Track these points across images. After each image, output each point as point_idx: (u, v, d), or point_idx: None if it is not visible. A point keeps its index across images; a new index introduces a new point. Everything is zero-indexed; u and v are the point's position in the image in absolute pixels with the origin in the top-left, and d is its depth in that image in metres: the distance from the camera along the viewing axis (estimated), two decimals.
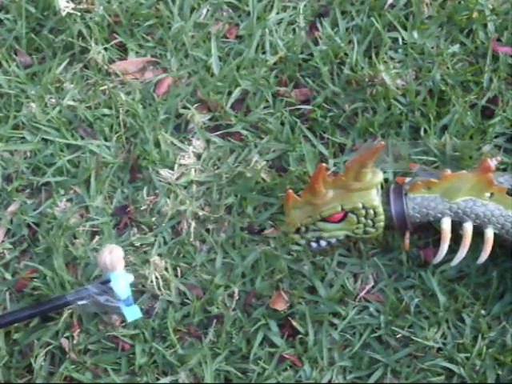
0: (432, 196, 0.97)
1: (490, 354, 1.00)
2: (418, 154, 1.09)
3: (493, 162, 0.95)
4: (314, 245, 1.01)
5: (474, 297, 1.03)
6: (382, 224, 0.98)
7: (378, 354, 1.02)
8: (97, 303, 0.99)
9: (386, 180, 1.05)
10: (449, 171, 0.99)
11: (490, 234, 0.97)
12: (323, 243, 1.00)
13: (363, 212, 0.97)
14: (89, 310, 1.02)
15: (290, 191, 0.98)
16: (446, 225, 0.98)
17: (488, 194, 0.97)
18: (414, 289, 1.04)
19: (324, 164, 0.96)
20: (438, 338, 1.01)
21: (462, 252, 0.98)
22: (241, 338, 1.03)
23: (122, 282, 0.98)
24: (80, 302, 0.99)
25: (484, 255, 0.98)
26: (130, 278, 1.00)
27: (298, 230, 1.00)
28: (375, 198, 0.97)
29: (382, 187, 1.01)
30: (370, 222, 0.98)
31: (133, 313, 1.00)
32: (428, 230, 1.05)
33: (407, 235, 1.01)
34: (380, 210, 0.97)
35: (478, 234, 0.99)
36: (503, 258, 1.03)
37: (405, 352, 1.02)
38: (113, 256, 0.97)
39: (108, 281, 0.99)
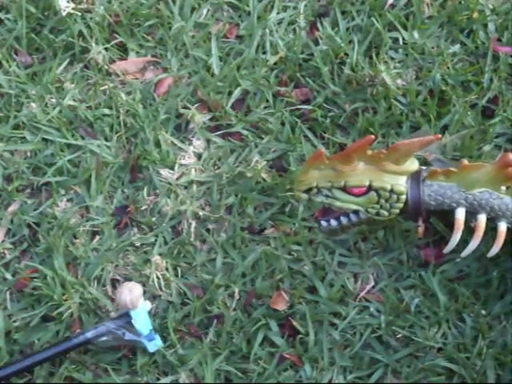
0: (449, 184, 0.97)
1: (491, 354, 1.00)
2: (417, 154, 1.09)
3: None
4: (324, 224, 1.00)
5: (475, 297, 1.03)
6: (397, 211, 0.98)
7: (378, 353, 1.02)
8: (117, 338, 1.00)
9: None
10: (466, 162, 0.98)
11: (503, 227, 0.97)
12: (334, 223, 1.00)
13: (387, 194, 0.97)
14: (109, 344, 1.01)
15: (323, 150, 0.97)
16: (461, 215, 0.97)
17: (504, 188, 0.96)
18: (415, 289, 1.04)
19: (373, 136, 0.95)
20: (438, 338, 1.01)
21: (474, 243, 0.97)
22: (241, 338, 1.03)
23: (142, 319, 0.99)
24: (100, 339, 1.00)
25: (496, 248, 0.98)
26: (148, 305, 1.01)
27: (308, 190, 0.98)
28: (404, 185, 0.97)
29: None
30: (388, 205, 0.97)
31: (154, 343, 1.01)
32: (428, 230, 1.05)
33: (420, 222, 1.00)
34: (403, 197, 0.97)
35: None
36: (503, 258, 1.03)
37: (405, 352, 1.02)
38: (133, 295, 0.99)
39: (125, 314, 1.00)
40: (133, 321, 0.99)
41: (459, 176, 0.97)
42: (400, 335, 1.02)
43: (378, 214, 0.98)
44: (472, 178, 0.96)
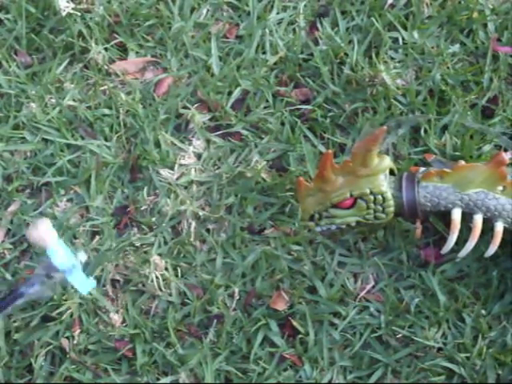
0: (444, 186, 0.97)
1: (491, 354, 1.00)
2: (418, 154, 1.09)
3: (507, 156, 0.96)
4: (324, 227, 1.01)
5: (475, 296, 1.03)
6: (391, 209, 0.98)
7: (378, 353, 1.02)
8: (50, 285, 0.95)
9: (398, 169, 1.05)
10: (463, 162, 0.99)
11: (499, 227, 0.97)
12: (333, 227, 1.00)
13: (371, 198, 0.97)
14: (45, 294, 0.97)
15: (301, 178, 0.98)
16: (457, 215, 0.97)
17: (500, 188, 0.96)
18: (415, 289, 1.04)
19: (331, 150, 0.96)
20: (438, 338, 1.02)
21: (471, 244, 0.98)
22: (241, 338, 1.03)
23: (60, 253, 0.93)
24: (33, 290, 0.95)
25: (492, 248, 0.98)
26: (83, 256, 0.95)
27: (312, 218, 1.00)
28: (383, 184, 0.97)
29: (394, 174, 1.00)
30: (379, 207, 0.97)
31: (84, 284, 0.95)
32: (428, 230, 1.05)
33: (418, 224, 1.00)
34: (388, 195, 0.97)
35: (483, 230, 0.99)
36: (503, 258, 1.03)
37: (405, 352, 1.02)
38: (40, 230, 0.93)
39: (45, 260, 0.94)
40: (52, 259, 0.93)
41: (454, 177, 0.97)
42: (400, 335, 1.02)
43: (375, 218, 0.98)
44: (467, 178, 0.96)
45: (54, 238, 0.94)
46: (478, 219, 0.97)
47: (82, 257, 0.96)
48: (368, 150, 0.95)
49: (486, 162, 0.98)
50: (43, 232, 0.93)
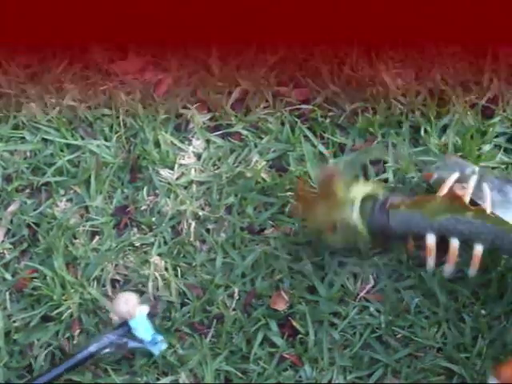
0: (414, 213, 0.96)
1: (490, 354, 1.00)
2: (418, 154, 1.09)
3: (462, 190, 0.96)
4: None
5: (474, 297, 1.03)
6: (366, 236, 0.98)
7: (378, 353, 1.02)
8: (121, 347, 1.00)
9: (385, 180, 1.05)
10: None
11: (477, 250, 0.96)
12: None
13: (346, 224, 0.98)
14: (114, 354, 1.02)
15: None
16: (430, 240, 0.97)
17: (471, 213, 0.94)
18: (414, 289, 1.04)
19: (302, 178, 0.99)
20: (438, 338, 1.01)
21: (449, 268, 0.98)
22: (241, 338, 1.03)
23: (142, 326, 1.00)
24: (103, 352, 1.00)
25: (473, 271, 0.97)
26: (145, 309, 1.01)
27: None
28: (352, 212, 0.97)
29: (368, 200, 0.99)
30: (355, 234, 0.99)
31: (158, 346, 1.02)
32: None
33: (410, 240, 1.00)
34: (359, 223, 0.97)
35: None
36: (503, 258, 1.03)
37: (405, 352, 1.01)
38: (129, 305, 0.99)
39: (125, 323, 1.00)
40: (133, 330, 0.99)
41: (419, 206, 0.96)
42: (400, 335, 1.02)
43: (356, 242, 1.00)
44: (432, 207, 0.95)
45: (139, 312, 1.00)
46: (454, 243, 0.96)
47: (145, 310, 1.01)
48: (331, 185, 0.95)
49: (440, 193, 0.97)
50: (132, 307, 0.99)
